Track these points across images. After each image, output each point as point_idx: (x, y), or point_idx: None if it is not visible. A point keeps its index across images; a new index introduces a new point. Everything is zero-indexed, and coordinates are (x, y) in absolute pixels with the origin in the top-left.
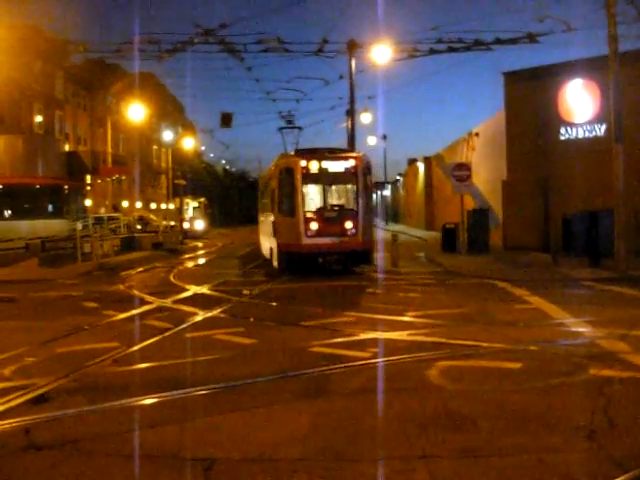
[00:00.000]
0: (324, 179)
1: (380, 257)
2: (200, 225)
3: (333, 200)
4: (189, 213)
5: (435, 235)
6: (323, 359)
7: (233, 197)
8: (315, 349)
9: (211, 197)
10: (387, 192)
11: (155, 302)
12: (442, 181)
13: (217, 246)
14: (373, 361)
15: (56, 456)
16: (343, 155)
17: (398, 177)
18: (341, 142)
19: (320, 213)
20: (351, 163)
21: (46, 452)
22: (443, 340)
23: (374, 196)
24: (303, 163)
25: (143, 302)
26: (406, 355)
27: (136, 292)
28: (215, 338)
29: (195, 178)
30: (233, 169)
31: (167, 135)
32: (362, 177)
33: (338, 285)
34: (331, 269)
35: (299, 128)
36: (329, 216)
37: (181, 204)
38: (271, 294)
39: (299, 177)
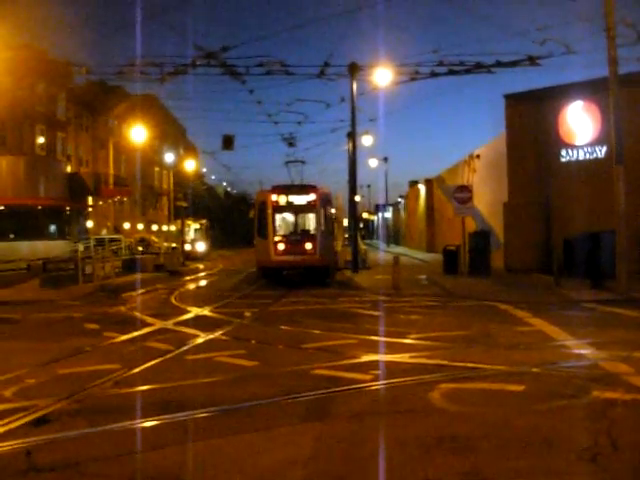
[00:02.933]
0: (291, 209)
1: (381, 279)
2: (201, 247)
3: (298, 226)
4: (190, 235)
5: (436, 257)
6: (325, 381)
7: (234, 219)
8: (317, 371)
9: (212, 219)
10: (388, 214)
11: (156, 324)
12: (443, 203)
13: (218, 268)
14: (375, 384)
15: (57, 479)
16: (306, 190)
17: (399, 199)
18: (342, 165)
19: (286, 236)
20: (312, 197)
21: (47, 475)
22: (445, 362)
23: (334, 222)
24: (274, 197)
25: (144, 324)
26: (408, 378)
27: (137, 314)
28: (216, 360)
29: (196, 200)
30: (234, 191)
31: (169, 157)
32: (322, 208)
33: (340, 308)
34: (326, 291)
35: (302, 162)
36: (293, 239)
37: (182, 226)
38: (273, 316)
39: (270, 208)
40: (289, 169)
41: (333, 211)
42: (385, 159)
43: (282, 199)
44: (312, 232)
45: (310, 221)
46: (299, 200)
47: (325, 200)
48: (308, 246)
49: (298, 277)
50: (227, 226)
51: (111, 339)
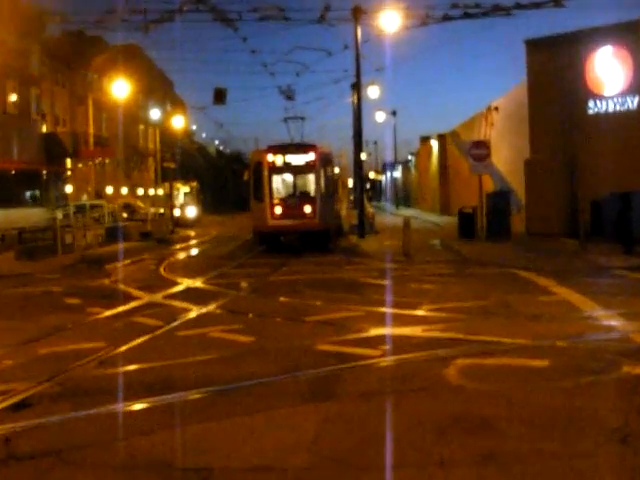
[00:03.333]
0: (288, 170)
1: (390, 245)
2: (192, 212)
3: (297, 188)
4: (180, 199)
5: (451, 220)
6: (330, 358)
7: (228, 181)
8: (321, 347)
9: (204, 181)
10: (397, 174)
11: (144, 297)
12: (458, 161)
13: (211, 235)
14: (384, 360)
15: (39, 467)
16: (304, 149)
17: (409, 157)
18: (346, 119)
19: (283, 199)
20: (311, 156)
21: (28, 463)
22: (461, 336)
23: (336, 183)
24: (269, 157)
25: (131, 298)
26: (420, 353)
27: (123, 287)
28: (210, 336)
29: (186, 160)
30: (228, 150)
31: (154, 113)
32: (321, 168)
33: (345, 277)
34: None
35: (301, 118)
36: (290, 202)
37: (171, 189)
38: (272, 287)
39: (267, 169)
40: (288, 126)
41: (336, 171)
42: (393, 113)
43: (278, 159)
44: (311, 194)
45: (309, 183)
46: (297, 160)
47: (325, 160)
48: (307, 209)
49: (298, 243)
50: (220, 189)
51: (94, 315)
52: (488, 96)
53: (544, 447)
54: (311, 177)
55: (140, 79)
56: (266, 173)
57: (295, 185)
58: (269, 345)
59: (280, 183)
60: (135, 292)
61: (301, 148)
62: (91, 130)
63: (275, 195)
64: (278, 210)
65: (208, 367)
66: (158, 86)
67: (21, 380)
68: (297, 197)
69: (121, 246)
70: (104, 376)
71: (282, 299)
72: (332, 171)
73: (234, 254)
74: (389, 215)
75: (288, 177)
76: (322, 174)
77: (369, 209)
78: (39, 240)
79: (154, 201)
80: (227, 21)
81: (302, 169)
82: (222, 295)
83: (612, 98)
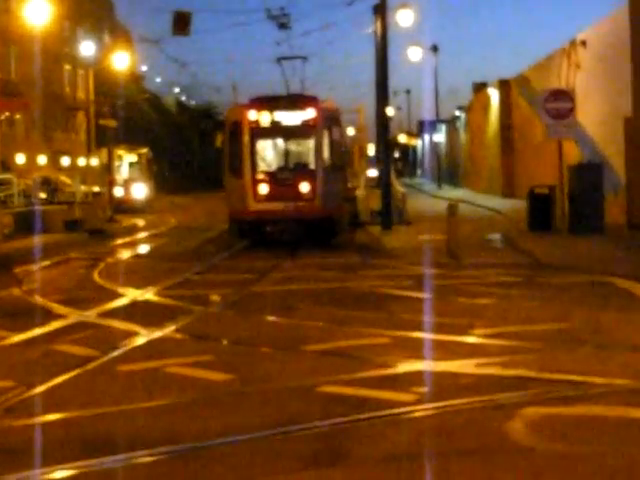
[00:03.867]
0: (278, 133)
1: (428, 241)
2: (141, 191)
3: (290, 159)
4: (123, 173)
5: (517, 205)
6: (339, 404)
7: (194, 146)
8: (327, 388)
9: (159, 147)
10: (440, 137)
11: (70, 315)
12: (528, 119)
13: (169, 224)
14: (420, 408)
15: None
16: (300, 104)
17: (457, 113)
18: (366, 59)
19: (271, 174)
20: (310, 114)
21: None
22: (532, 374)
23: (346, 151)
24: (252, 115)
25: (51, 315)
26: (472, 398)
27: (40, 299)
28: (167, 372)
29: (133, 117)
30: (193, 101)
31: (86, 48)
32: (324, 130)
33: (363, 287)
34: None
35: (303, 58)
36: (281, 177)
37: (110, 158)
38: (256, 301)
39: (247, 132)
40: (282, 69)
41: (349, 133)
42: (434, 48)
43: (265, 118)
44: (310, 167)
45: (307, 151)
46: (290, 119)
47: (330, 119)
48: (303, 188)
49: (290, 236)
50: (183, 158)
51: None
52: (571, 27)
53: None
54: (310, 143)
55: None
56: (247, 137)
57: (287, 154)
58: (252, 386)
59: (266, 151)
60: (57, 307)
61: (296, 102)
62: None
63: (259, 168)
64: (263, 189)
65: (163, 418)
66: (91, 9)
67: None
68: (290, 171)
69: (37, 240)
70: (13, 430)
71: (271, 319)
72: (340, 134)
73: (202, 253)
74: (427, 197)
75: (278, 143)
76: (325, 139)
77: (398, 188)
78: None
79: (86, 175)
80: None
81: (297, 132)
82: (184, 312)
83: None
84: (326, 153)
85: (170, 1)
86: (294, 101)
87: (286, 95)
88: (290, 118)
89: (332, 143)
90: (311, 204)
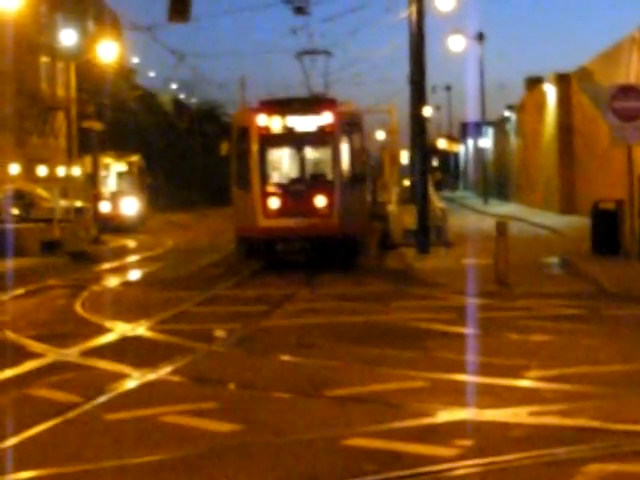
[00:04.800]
0: (291, 141)
1: (473, 265)
2: (132, 207)
3: (304, 169)
4: (110, 184)
5: (578, 223)
6: (369, 460)
7: (194, 153)
8: (353, 441)
9: (153, 154)
10: (486, 142)
11: (48, 354)
12: (592, 120)
13: (165, 246)
14: (463, 465)
15: None
16: (316, 107)
17: (507, 113)
18: (398, 50)
19: (282, 186)
20: (327, 118)
21: None
22: (596, 424)
23: (368, 160)
24: (261, 120)
25: (26, 354)
26: (526, 453)
27: (12, 335)
28: (163, 422)
29: (122, 118)
30: (194, 100)
31: (67, 37)
32: (343, 136)
33: (395, 320)
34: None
35: (327, 53)
36: (294, 190)
37: (95, 167)
38: (267, 337)
39: (256, 139)
40: (303, 66)
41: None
42: (479, 37)
43: (276, 123)
44: (326, 179)
45: (323, 160)
46: (304, 124)
47: (349, 124)
48: (319, 202)
49: (304, 256)
50: (181, 167)
51: None
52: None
53: None
54: (326, 151)
55: None
56: (256, 145)
57: (301, 164)
58: (263, 438)
59: (278, 161)
60: (33, 345)
61: (311, 106)
62: None
63: (270, 180)
64: (273, 203)
65: (158, 476)
66: None
67: None
68: (304, 183)
69: (9, 264)
70: None
71: (285, 358)
72: (362, 141)
73: (204, 280)
74: (471, 213)
75: (290, 151)
76: (345, 146)
77: (437, 203)
78: None
79: (66, 188)
80: None
81: (312, 139)
82: (183, 351)
83: None
84: (345, 163)
85: None
86: (309, 104)
87: (300, 98)
88: (304, 123)
89: (352, 151)
90: (328, 221)
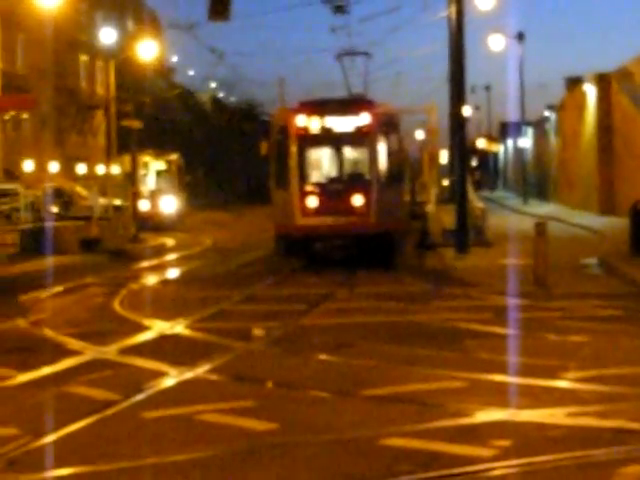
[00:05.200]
0: (329, 141)
1: (512, 266)
2: (171, 205)
3: (342, 169)
4: (149, 183)
5: (619, 224)
6: (406, 460)
7: (233, 152)
8: (390, 441)
9: (192, 152)
10: (526, 142)
11: (86, 351)
12: (632, 120)
13: (204, 245)
14: (501, 465)
15: None
16: (354, 108)
17: (547, 113)
18: (437, 51)
19: (320, 186)
20: (364, 119)
21: None
22: (635, 426)
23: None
24: (300, 121)
25: (64, 351)
26: (563, 454)
27: (50, 333)
28: (200, 420)
29: (161, 117)
30: (233, 98)
31: (106, 35)
32: (380, 137)
33: (433, 320)
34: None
35: (366, 54)
36: (332, 189)
37: (134, 166)
38: (305, 336)
39: (294, 139)
40: (343, 66)
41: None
42: (520, 36)
43: (314, 123)
44: (363, 178)
45: (360, 160)
46: (342, 125)
47: (386, 124)
48: (356, 201)
49: (342, 254)
50: (220, 166)
51: (1, 381)
52: None
53: None
54: (364, 151)
55: None
56: (294, 145)
57: (339, 164)
58: (300, 437)
59: (316, 160)
60: (71, 342)
61: (348, 107)
62: None
63: (308, 179)
64: (312, 202)
65: (195, 474)
66: None
67: None
68: (341, 182)
69: (48, 262)
70: None
71: (323, 357)
72: (398, 142)
73: (242, 278)
74: (511, 213)
75: (328, 151)
76: (382, 147)
77: (476, 204)
78: None
79: (105, 186)
80: None
81: (350, 139)
82: (220, 349)
83: None
84: (382, 162)
85: None
86: (346, 105)
87: (338, 98)
88: (342, 124)
89: (389, 151)
90: (365, 219)
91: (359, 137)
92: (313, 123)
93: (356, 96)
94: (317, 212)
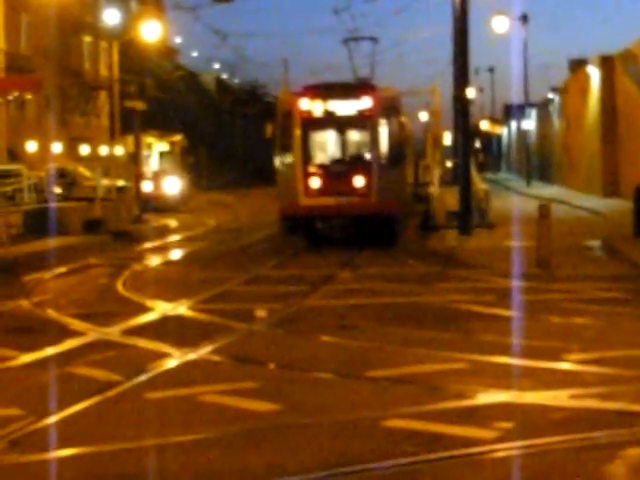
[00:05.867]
0: (332, 123)
1: (515, 248)
2: (174, 186)
3: (344, 151)
4: (153, 164)
5: (622, 206)
6: (408, 442)
7: (236, 133)
8: (393, 422)
9: (195, 133)
10: (529, 124)
11: (89, 333)
12: (636, 102)
13: (207, 226)
14: (503, 447)
15: None
16: (356, 92)
17: (550, 95)
18: (441, 32)
19: (323, 167)
20: (366, 103)
21: None
22: (637, 408)
23: (406, 143)
24: (303, 104)
25: (67, 332)
26: (566, 436)
27: (53, 313)
28: (202, 401)
29: (164, 98)
30: (236, 80)
31: (110, 16)
32: (382, 120)
33: (436, 302)
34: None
35: (372, 39)
36: (334, 170)
37: (138, 147)
38: (308, 316)
39: (298, 122)
40: (351, 54)
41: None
42: (524, 18)
43: (317, 107)
44: (365, 160)
45: (362, 142)
46: (345, 108)
47: (388, 108)
48: (357, 182)
49: (344, 233)
50: (223, 147)
51: (5, 361)
52: None
53: None
54: (365, 134)
55: None
56: (298, 128)
57: (341, 146)
58: (303, 418)
59: (319, 143)
60: (74, 323)
61: (351, 91)
62: (1, 44)
63: (311, 161)
64: (315, 182)
65: (197, 455)
66: None
67: None
68: (343, 164)
69: (51, 243)
70: (17, 467)
71: (325, 338)
72: (400, 125)
73: (245, 260)
74: (514, 195)
75: (331, 134)
76: (383, 129)
77: (479, 185)
78: None
79: (108, 167)
80: None
81: (352, 122)
82: (223, 330)
83: None
84: (383, 145)
85: None
86: (349, 89)
87: (340, 82)
88: (344, 107)
89: (390, 134)
90: (366, 199)
91: (361, 120)
92: (316, 106)
93: (361, 80)
94: (320, 193)
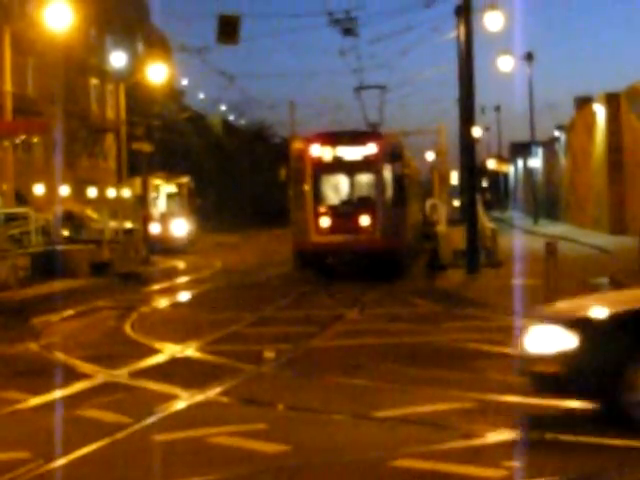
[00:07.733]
0: (340, 168)
1: (523, 286)
2: (181, 228)
3: (351, 193)
4: (160, 206)
5: (629, 243)
6: None
7: (243, 174)
8: (401, 462)
9: (202, 175)
10: (535, 162)
11: (97, 375)
12: None
13: (214, 267)
14: None
15: None
16: (362, 139)
17: (557, 133)
18: (447, 71)
19: (332, 207)
20: (371, 149)
21: None
22: None
23: (407, 186)
24: (314, 150)
25: (75, 375)
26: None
27: (61, 356)
28: (211, 443)
29: (171, 140)
30: (242, 121)
31: (117, 59)
32: (386, 164)
33: (444, 341)
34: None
35: (381, 88)
36: (342, 210)
37: (145, 189)
38: (316, 357)
39: (309, 166)
40: (362, 101)
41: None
42: (529, 57)
43: (327, 152)
44: (370, 201)
45: (368, 185)
46: (352, 154)
47: (392, 154)
48: (363, 221)
49: (351, 268)
50: (230, 188)
51: (12, 405)
52: None
53: None
54: (371, 177)
55: (93, 1)
56: (310, 172)
57: (349, 188)
58: (311, 459)
59: (329, 185)
60: (82, 365)
61: (358, 138)
62: (8, 87)
63: (322, 201)
64: (325, 222)
65: None
66: (123, 13)
67: None
68: (351, 204)
69: (59, 286)
70: None
71: (334, 379)
72: (402, 168)
73: (253, 301)
74: (521, 234)
75: (340, 177)
76: (387, 173)
77: (486, 224)
78: None
79: (116, 209)
80: None
81: (359, 166)
82: (232, 371)
83: None
84: (388, 187)
85: (214, 4)
86: (356, 136)
87: (348, 131)
88: (352, 153)
89: (394, 177)
90: (371, 237)
91: (367, 165)
92: (326, 152)
93: (371, 125)
94: (330, 231)
